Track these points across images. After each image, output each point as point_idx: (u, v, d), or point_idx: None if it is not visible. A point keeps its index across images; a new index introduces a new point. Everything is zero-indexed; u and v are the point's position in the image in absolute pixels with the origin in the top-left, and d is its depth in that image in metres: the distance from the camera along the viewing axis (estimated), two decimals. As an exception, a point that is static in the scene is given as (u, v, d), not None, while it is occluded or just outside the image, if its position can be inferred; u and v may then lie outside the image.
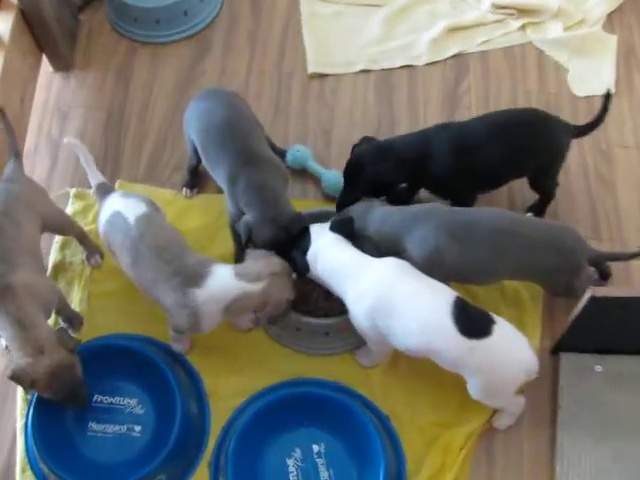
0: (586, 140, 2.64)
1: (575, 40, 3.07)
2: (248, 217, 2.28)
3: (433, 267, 2.15)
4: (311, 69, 3.04)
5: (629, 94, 2.98)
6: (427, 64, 3.05)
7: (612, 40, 3.10)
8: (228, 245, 2.55)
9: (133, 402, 2.26)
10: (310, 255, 2.16)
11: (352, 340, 2.38)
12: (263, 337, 2.45)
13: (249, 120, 2.47)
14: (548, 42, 3.09)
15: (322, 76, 3.04)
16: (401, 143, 2.42)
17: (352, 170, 2.40)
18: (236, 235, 2.43)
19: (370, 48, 3.09)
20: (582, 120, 2.51)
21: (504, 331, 2.04)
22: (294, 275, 2.22)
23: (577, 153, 2.78)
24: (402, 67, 3.05)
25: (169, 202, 2.63)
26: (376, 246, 2.20)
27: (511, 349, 2.04)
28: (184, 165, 2.69)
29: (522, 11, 3.17)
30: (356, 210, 2.30)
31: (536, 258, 2.19)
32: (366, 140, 2.46)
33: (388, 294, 2.07)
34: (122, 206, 2.25)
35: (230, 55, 3.09)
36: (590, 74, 3.00)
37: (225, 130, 2.37)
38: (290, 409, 2.21)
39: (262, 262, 2.14)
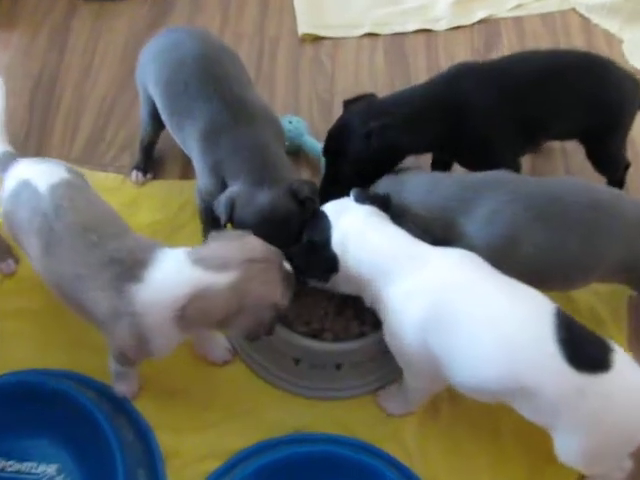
0: None
1: (629, 5, 2.53)
2: (233, 188, 1.57)
3: (502, 260, 1.47)
4: (302, 30, 2.44)
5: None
6: (449, 29, 2.49)
7: None
8: (194, 244, 1.81)
9: (51, 470, 1.54)
10: (337, 243, 1.47)
11: (375, 376, 1.69)
12: (245, 374, 1.74)
13: (233, 58, 1.80)
14: (595, 8, 2.56)
15: (316, 39, 2.46)
16: (408, 96, 1.76)
17: (336, 140, 1.72)
18: (210, 219, 1.73)
19: (377, 10, 2.54)
20: None
21: (626, 364, 1.36)
22: (291, 276, 1.49)
23: None
24: (417, 31, 2.43)
25: (113, 190, 2.03)
26: (422, 229, 1.51)
27: (637, 390, 1.34)
28: (137, 142, 2.04)
29: (560, -28, 2.58)
30: (384, 183, 1.63)
31: None
32: (365, 99, 1.79)
33: (453, 299, 1.40)
34: (32, 173, 1.54)
35: (198, 15, 2.52)
36: None
37: (201, 67, 1.70)
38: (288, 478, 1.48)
39: (233, 244, 1.42)
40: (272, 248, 1.44)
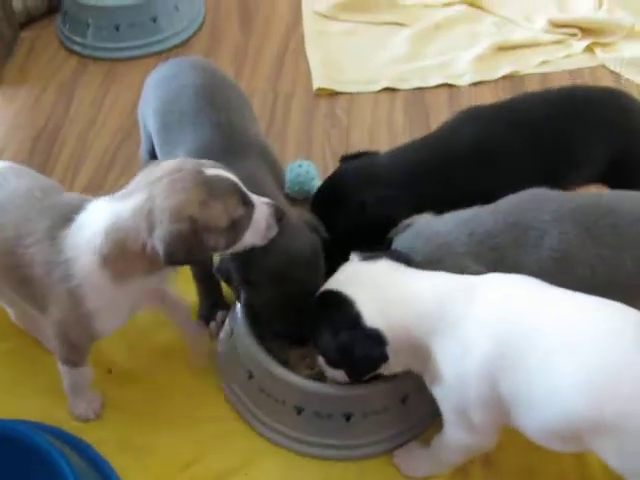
0: None
1: (662, 60, 2.34)
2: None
3: (556, 284, 1.25)
4: (317, 84, 2.33)
5: None
6: (473, 84, 2.35)
7: None
8: (190, 291, 1.67)
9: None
10: (373, 316, 1.24)
11: (393, 431, 1.43)
12: (237, 428, 1.51)
13: (236, 91, 1.67)
14: (626, 63, 2.43)
15: (332, 95, 2.33)
16: (411, 153, 1.60)
17: (327, 201, 1.55)
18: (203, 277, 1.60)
19: (396, 66, 2.44)
20: None
21: None
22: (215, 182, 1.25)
23: None
24: (439, 86, 2.29)
25: None
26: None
27: None
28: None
29: (587, 30, 2.53)
30: (409, 234, 1.42)
31: None
32: (365, 158, 1.63)
33: (519, 327, 1.18)
34: None
35: (210, 72, 2.31)
36: None
37: (200, 97, 1.56)
38: None
39: (145, 170, 1.28)
40: (190, 159, 1.28)
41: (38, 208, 1.33)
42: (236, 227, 1.25)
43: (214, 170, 1.24)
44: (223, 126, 1.52)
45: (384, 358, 1.24)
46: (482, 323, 1.19)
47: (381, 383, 1.37)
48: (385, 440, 1.44)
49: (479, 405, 1.20)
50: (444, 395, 1.25)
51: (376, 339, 1.22)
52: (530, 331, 1.16)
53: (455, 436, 1.29)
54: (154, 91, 1.68)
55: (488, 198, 1.42)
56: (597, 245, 1.31)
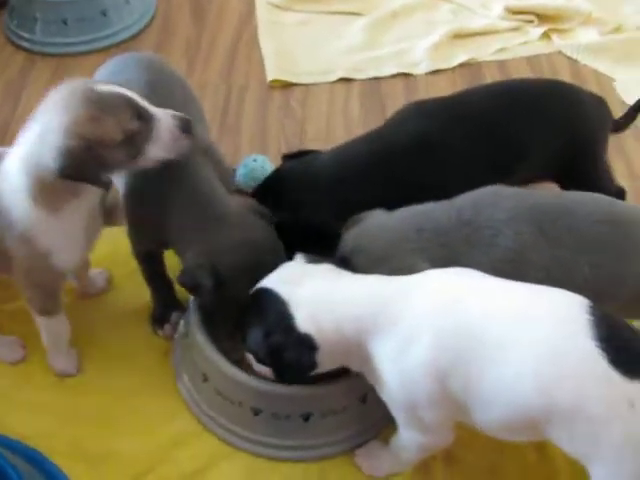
0: None
1: (618, 45, 2.42)
2: (199, 247, 1.36)
3: None
4: (271, 76, 2.28)
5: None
6: (429, 72, 2.32)
7: None
8: (142, 294, 1.65)
9: None
10: (306, 321, 1.21)
11: (352, 430, 1.39)
12: (194, 429, 1.47)
13: (183, 88, 1.62)
14: (583, 49, 2.42)
15: (286, 86, 2.26)
16: (352, 152, 1.55)
17: (266, 202, 1.48)
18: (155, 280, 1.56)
19: (351, 56, 2.40)
20: None
21: None
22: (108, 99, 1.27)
23: None
24: (395, 75, 2.26)
25: None
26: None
27: None
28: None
29: (543, 17, 2.53)
30: (359, 230, 1.37)
31: None
32: (306, 157, 1.58)
33: (460, 320, 1.14)
34: None
35: (162, 65, 2.26)
36: None
37: (143, 94, 1.47)
38: None
39: (50, 96, 1.29)
40: (83, 79, 1.30)
41: None
42: (134, 140, 1.26)
43: (107, 87, 1.26)
44: None
45: (313, 365, 1.21)
46: (423, 318, 1.15)
47: (340, 383, 1.34)
48: (345, 440, 1.41)
49: (428, 403, 1.17)
50: (389, 395, 1.22)
51: (307, 345, 1.19)
52: (474, 323, 1.12)
53: (408, 436, 1.26)
54: None
55: (438, 195, 1.37)
56: (553, 247, 1.27)
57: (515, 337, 1.10)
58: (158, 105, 1.43)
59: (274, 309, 1.22)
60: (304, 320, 1.20)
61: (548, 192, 1.41)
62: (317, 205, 1.44)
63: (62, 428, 1.47)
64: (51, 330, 1.50)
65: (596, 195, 1.36)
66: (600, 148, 1.66)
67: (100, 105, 1.23)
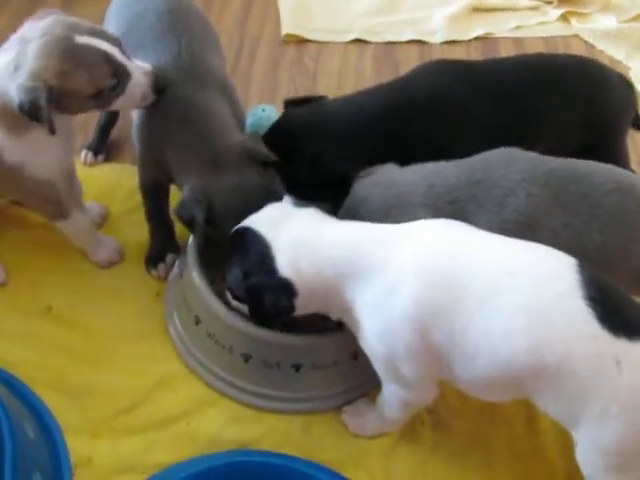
0: None
1: (636, 34, 2.37)
2: (196, 181, 1.35)
3: None
4: (286, 30, 2.22)
5: None
6: (444, 42, 2.28)
7: None
8: (141, 233, 1.61)
9: None
10: (286, 264, 1.19)
11: (342, 387, 1.38)
12: (182, 373, 1.45)
13: (199, 17, 1.58)
14: (600, 35, 2.39)
15: (300, 42, 2.24)
16: (361, 102, 1.48)
17: (277, 154, 1.42)
18: (155, 217, 1.54)
19: (368, 19, 2.37)
20: None
21: None
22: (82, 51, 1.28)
23: None
24: (411, 42, 2.22)
25: None
26: None
27: None
28: (94, 123, 1.82)
29: (564, -1, 2.41)
30: (370, 182, 1.35)
31: None
32: (312, 104, 1.51)
33: (447, 272, 1.12)
34: None
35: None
36: None
37: (162, 22, 1.47)
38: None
39: (31, 25, 1.31)
40: (66, 19, 1.29)
41: None
42: (104, 94, 1.31)
43: (86, 39, 1.26)
44: (183, 55, 1.44)
45: (291, 310, 1.20)
46: (406, 267, 1.13)
47: (332, 335, 1.32)
48: (333, 396, 1.40)
49: (408, 356, 1.15)
50: (370, 346, 1.20)
51: (286, 289, 1.18)
52: (462, 275, 1.10)
53: (390, 390, 1.25)
54: (117, 13, 1.59)
55: (452, 156, 1.34)
56: (565, 212, 1.25)
57: (504, 292, 1.09)
58: (176, 34, 1.41)
59: (256, 250, 1.21)
60: (285, 264, 1.18)
61: (564, 159, 1.38)
62: (331, 155, 1.40)
63: (47, 359, 1.44)
64: (71, 230, 1.53)
65: (611, 166, 1.35)
66: (622, 130, 1.63)
67: (76, 60, 1.25)
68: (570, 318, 1.05)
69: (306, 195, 1.31)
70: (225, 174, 1.34)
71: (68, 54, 1.25)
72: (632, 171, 1.66)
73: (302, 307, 1.22)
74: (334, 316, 1.26)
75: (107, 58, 1.28)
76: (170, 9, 1.51)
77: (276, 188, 1.36)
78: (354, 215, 1.30)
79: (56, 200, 1.46)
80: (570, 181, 1.27)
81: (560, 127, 1.57)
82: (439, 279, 1.11)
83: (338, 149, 1.39)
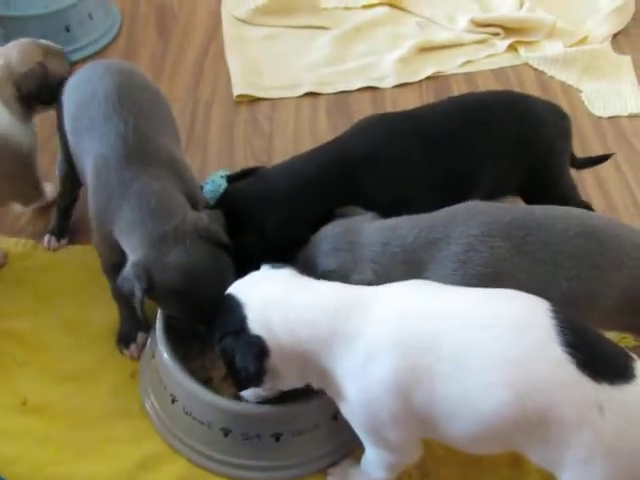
0: (628, 169, 2.05)
1: (584, 57, 2.43)
2: (138, 254, 1.33)
3: None
4: (238, 91, 2.25)
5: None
6: (396, 86, 2.31)
7: (626, 60, 2.46)
8: (110, 314, 1.63)
9: None
10: (257, 321, 1.18)
11: (324, 449, 1.37)
12: (165, 452, 1.42)
13: (150, 94, 1.58)
14: (549, 61, 2.44)
15: (253, 101, 2.23)
16: (302, 166, 1.50)
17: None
18: (124, 297, 1.44)
19: (318, 70, 2.39)
20: (610, 143, 2.12)
21: None
22: None
23: (621, 184, 2.03)
24: (363, 89, 2.26)
25: (24, 256, 1.80)
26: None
27: None
28: (54, 207, 1.84)
29: (509, 29, 2.54)
30: (331, 237, 1.35)
31: None
32: (253, 175, 1.53)
33: (422, 333, 1.12)
34: None
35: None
36: (611, 93, 2.33)
37: (111, 102, 1.46)
38: None
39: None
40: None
41: None
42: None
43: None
44: (129, 135, 1.43)
45: (261, 370, 1.17)
46: (382, 334, 1.12)
47: (310, 401, 1.31)
48: (318, 459, 1.38)
49: (392, 421, 1.14)
50: (352, 414, 1.19)
51: (257, 347, 1.16)
52: (436, 336, 1.10)
53: (375, 454, 1.23)
54: (68, 97, 1.60)
55: (399, 209, 1.36)
56: (529, 262, 1.25)
57: (479, 347, 1.08)
58: (124, 114, 1.44)
59: (230, 311, 1.20)
60: (255, 321, 1.17)
61: (523, 207, 1.39)
62: (277, 222, 1.41)
63: (26, 454, 1.42)
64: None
65: (569, 208, 1.35)
66: (561, 160, 1.64)
67: (48, 50, 1.71)
68: (549, 367, 1.04)
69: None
70: (170, 251, 1.31)
71: (43, 48, 1.73)
72: (580, 203, 1.66)
73: (284, 370, 1.19)
74: (316, 385, 1.24)
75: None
76: (119, 88, 1.51)
77: (227, 269, 1.34)
78: (311, 268, 1.30)
79: (29, 180, 1.72)
80: (530, 230, 1.27)
81: (498, 165, 1.57)
82: (414, 344, 1.11)
83: (283, 215, 1.40)
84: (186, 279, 1.29)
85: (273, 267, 1.27)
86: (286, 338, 1.16)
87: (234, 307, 1.20)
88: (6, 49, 1.70)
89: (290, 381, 1.22)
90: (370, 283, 1.26)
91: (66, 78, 1.63)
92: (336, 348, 1.15)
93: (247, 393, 1.28)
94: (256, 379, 1.19)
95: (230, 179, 1.53)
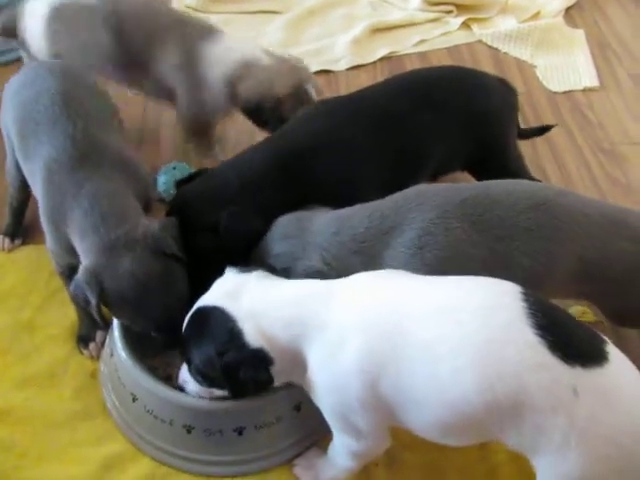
0: (583, 142, 2.05)
1: (537, 32, 2.44)
2: (89, 261, 1.32)
3: None
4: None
5: (617, 88, 2.28)
6: (350, 68, 2.29)
7: (579, 33, 2.48)
8: (68, 313, 1.58)
9: None
10: (253, 332, 1.17)
11: (288, 441, 1.36)
12: (128, 452, 1.40)
13: (94, 94, 1.57)
14: (503, 37, 2.44)
15: None
16: (250, 158, 1.48)
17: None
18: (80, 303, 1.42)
19: (270, 55, 2.26)
20: (565, 116, 2.14)
21: (621, 358, 1.07)
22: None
23: (576, 156, 2.02)
24: (316, 73, 2.23)
25: None
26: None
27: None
28: (6, 206, 1.79)
29: (462, 7, 2.56)
30: (282, 235, 1.35)
31: (611, 249, 1.28)
32: (200, 178, 1.50)
33: (387, 320, 1.12)
34: None
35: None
36: (565, 68, 2.34)
37: (56, 105, 1.43)
38: None
39: None
40: None
41: None
42: None
43: None
44: (77, 136, 1.42)
45: (270, 380, 1.18)
46: (349, 323, 1.13)
47: (271, 394, 1.30)
48: (283, 451, 1.37)
49: (360, 408, 1.14)
50: (323, 401, 1.19)
51: (262, 359, 1.16)
52: (402, 322, 1.10)
53: (344, 443, 1.23)
54: (11, 99, 1.57)
55: (349, 193, 1.35)
56: (487, 239, 1.25)
57: (447, 331, 1.07)
58: (71, 115, 1.42)
59: (222, 326, 1.18)
60: (253, 334, 1.16)
61: (474, 184, 1.38)
62: (230, 218, 1.39)
63: (-11, 461, 1.39)
64: None
65: (519, 181, 1.36)
66: (508, 132, 1.64)
67: None
68: (519, 349, 1.03)
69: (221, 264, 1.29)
70: (120, 258, 1.30)
71: None
72: (531, 176, 1.66)
73: (280, 375, 1.20)
74: (297, 380, 1.23)
75: None
76: (63, 90, 1.49)
77: (178, 277, 1.33)
78: (264, 254, 1.31)
79: None
80: (485, 207, 1.27)
81: (447, 142, 1.56)
82: (381, 330, 1.10)
83: (234, 210, 1.38)
84: (136, 287, 1.28)
85: (241, 271, 1.25)
86: (280, 342, 1.17)
87: (227, 322, 1.18)
88: None
89: (283, 380, 1.22)
90: (318, 271, 1.25)
91: None
92: (310, 341, 1.16)
93: (203, 391, 1.26)
94: (264, 388, 1.20)
95: (179, 183, 1.50)
